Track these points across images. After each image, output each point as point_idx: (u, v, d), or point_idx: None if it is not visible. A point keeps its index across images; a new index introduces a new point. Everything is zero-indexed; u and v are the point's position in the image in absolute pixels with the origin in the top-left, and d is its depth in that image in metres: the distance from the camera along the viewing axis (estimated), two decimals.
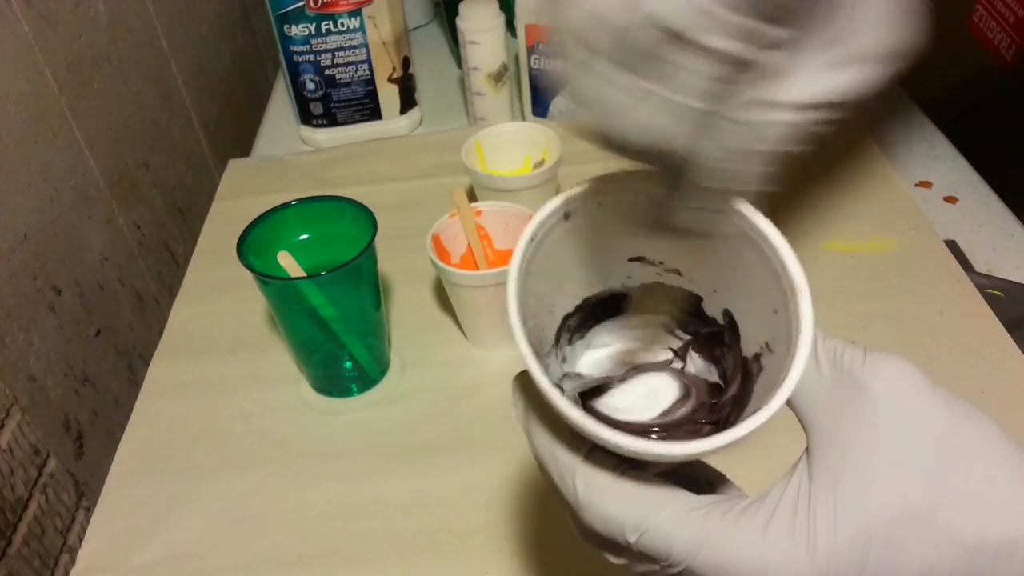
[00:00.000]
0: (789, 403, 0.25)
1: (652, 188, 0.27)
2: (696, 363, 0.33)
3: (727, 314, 0.31)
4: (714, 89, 0.21)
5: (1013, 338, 0.57)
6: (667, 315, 0.33)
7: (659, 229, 0.27)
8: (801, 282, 0.25)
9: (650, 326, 0.33)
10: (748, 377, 0.29)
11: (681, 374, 0.33)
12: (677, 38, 0.21)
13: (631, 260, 0.32)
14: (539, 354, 0.27)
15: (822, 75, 0.23)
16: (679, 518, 0.24)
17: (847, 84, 0.23)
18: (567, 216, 0.29)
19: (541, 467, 0.27)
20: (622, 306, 0.33)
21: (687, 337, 0.33)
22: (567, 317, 0.32)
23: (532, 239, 0.28)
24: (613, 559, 0.26)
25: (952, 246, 0.67)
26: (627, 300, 0.33)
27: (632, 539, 0.24)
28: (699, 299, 0.32)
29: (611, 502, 0.25)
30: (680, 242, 0.29)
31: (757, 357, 0.28)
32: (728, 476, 0.29)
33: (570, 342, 0.33)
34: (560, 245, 0.30)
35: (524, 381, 0.29)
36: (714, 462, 0.29)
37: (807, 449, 0.24)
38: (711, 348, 0.33)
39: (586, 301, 0.33)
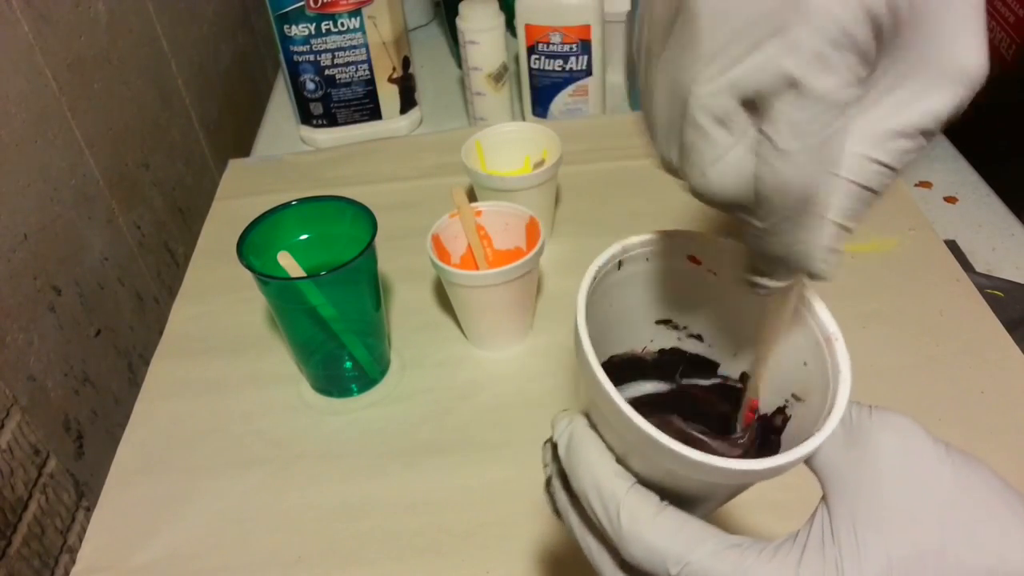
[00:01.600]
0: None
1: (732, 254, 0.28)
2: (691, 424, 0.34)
3: (744, 376, 0.32)
4: (826, 131, 0.22)
5: (1013, 338, 0.57)
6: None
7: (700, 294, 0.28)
8: (835, 330, 0.27)
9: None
10: (769, 430, 0.30)
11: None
12: (789, 84, 0.21)
13: (658, 322, 0.33)
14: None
15: (910, 99, 0.23)
16: (720, 554, 0.25)
17: (935, 107, 0.23)
18: (620, 265, 0.30)
19: (582, 498, 0.28)
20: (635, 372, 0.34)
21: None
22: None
23: (596, 275, 0.29)
24: None
25: (952, 246, 0.67)
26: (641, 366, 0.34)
27: (674, 572, 0.25)
28: (716, 365, 0.33)
29: (656, 534, 0.25)
30: (712, 309, 0.30)
31: (782, 410, 0.30)
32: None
33: None
34: (607, 294, 0.31)
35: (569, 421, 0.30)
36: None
37: (823, 497, 0.26)
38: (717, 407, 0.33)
39: (610, 360, 0.33)
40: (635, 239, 0.30)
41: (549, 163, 0.65)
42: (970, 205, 0.73)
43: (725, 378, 0.33)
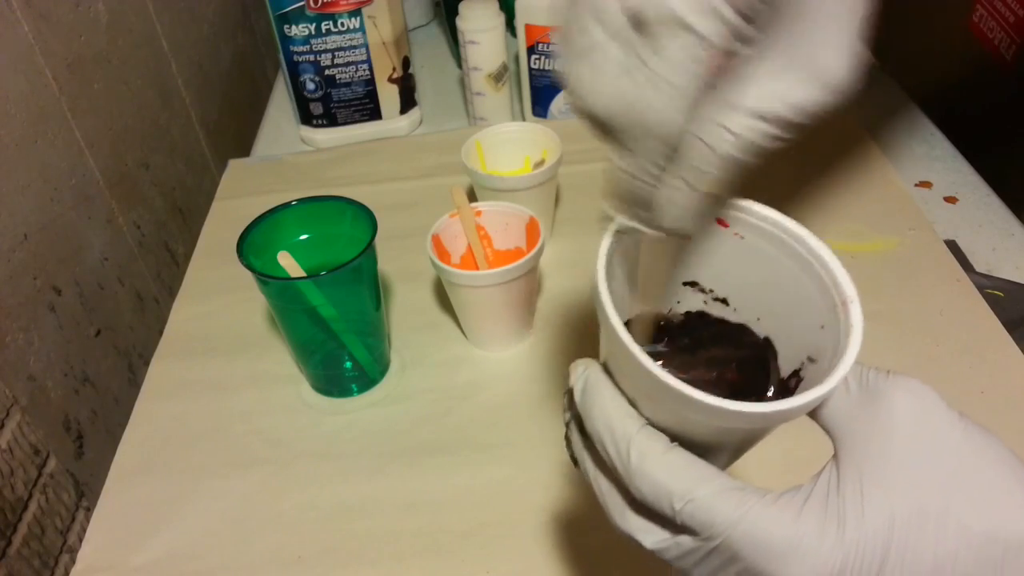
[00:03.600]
0: (817, 416, 0.27)
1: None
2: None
3: (767, 341, 0.33)
4: (693, 74, 0.24)
5: (1013, 338, 0.57)
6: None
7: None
8: (852, 293, 0.28)
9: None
10: (784, 392, 0.31)
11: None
12: (674, 20, 0.23)
13: (684, 284, 0.34)
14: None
15: (775, 85, 0.25)
16: (723, 493, 0.26)
17: (795, 99, 0.25)
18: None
19: (596, 439, 0.29)
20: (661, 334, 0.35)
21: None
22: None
23: (620, 230, 0.30)
24: (649, 539, 0.28)
25: (952, 246, 0.67)
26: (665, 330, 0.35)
27: (679, 507, 0.26)
28: (741, 330, 0.33)
29: (662, 470, 0.26)
30: (738, 272, 0.31)
31: (796, 372, 0.30)
32: None
33: None
34: (628, 255, 0.31)
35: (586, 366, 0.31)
36: None
37: (834, 455, 0.27)
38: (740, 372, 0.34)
39: (637, 317, 0.34)
40: None
41: (549, 163, 0.65)
42: (970, 205, 0.73)
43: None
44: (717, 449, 0.29)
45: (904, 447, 0.25)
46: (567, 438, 0.32)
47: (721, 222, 0.31)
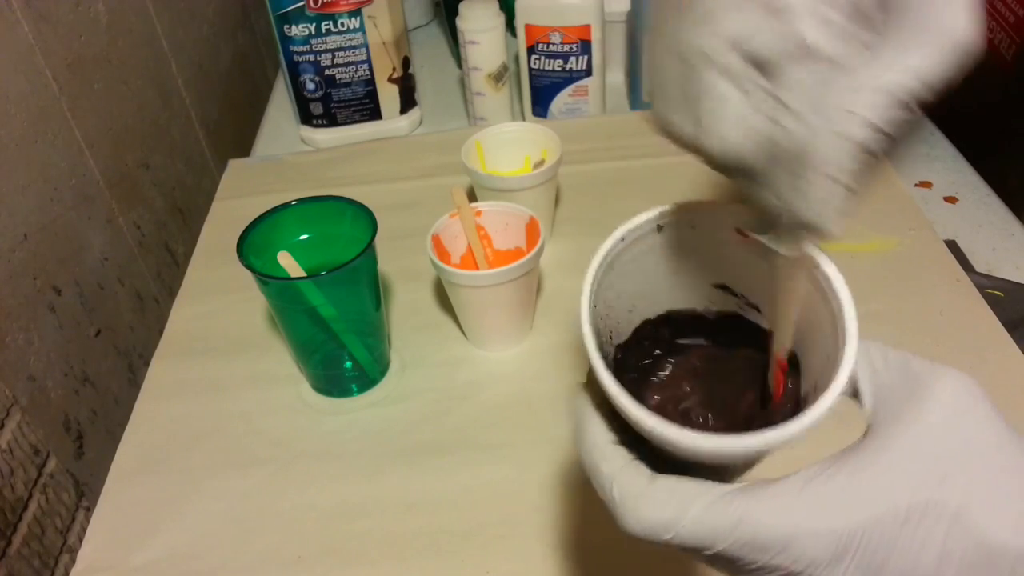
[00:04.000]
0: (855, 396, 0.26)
1: (739, 219, 0.29)
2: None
3: (793, 356, 0.32)
4: (816, 95, 0.23)
5: (1013, 338, 0.57)
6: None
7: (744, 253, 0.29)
8: (853, 330, 0.26)
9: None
10: (799, 409, 0.30)
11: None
12: (794, 49, 0.22)
13: (715, 286, 0.33)
14: (602, 342, 0.29)
15: (901, 59, 0.24)
16: (711, 507, 0.25)
17: (924, 68, 0.24)
18: (659, 228, 0.31)
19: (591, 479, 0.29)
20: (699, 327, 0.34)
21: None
22: (647, 322, 0.34)
23: (622, 239, 0.30)
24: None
25: (952, 246, 0.67)
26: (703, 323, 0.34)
27: (667, 537, 0.26)
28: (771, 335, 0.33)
29: (645, 508, 0.26)
30: (765, 282, 0.30)
31: (806, 397, 0.30)
32: None
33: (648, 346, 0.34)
34: (650, 254, 0.31)
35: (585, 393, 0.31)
36: None
37: (865, 433, 0.26)
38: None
39: (669, 313, 0.34)
40: (672, 207, 0.30)
41: (549, 163, 0.65)
42: (970, 205, 0.73)
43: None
44: (723, 468, 0.28)
45: (935, 439, 0.24)
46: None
47: (741, 233, 0.30)
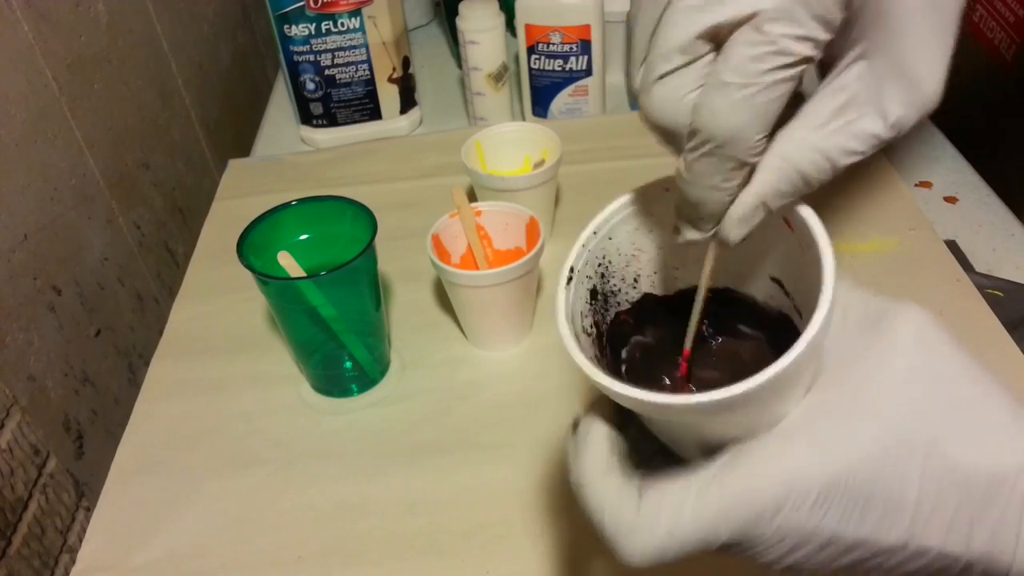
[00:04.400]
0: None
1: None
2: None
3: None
4: (770, 82, 0.23)
5: (1013, 338, 0.57)
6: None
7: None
8: (830, 279, 0.26)
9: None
10: None
11: None
12: (769, 40, 0.23)
13: (772, 279, 0.32)
14: (595, 296, 0.31)
15: (869, 102, 0.25)
16: (699, 506, 0.25)
17: (892, 118, 0.25)
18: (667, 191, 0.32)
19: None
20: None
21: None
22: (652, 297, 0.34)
23: (631, 203, 0.31)
24: None
25: (952, 246, 0.67)
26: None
27: (672, 557, 0.26)
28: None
29: (639, 541, 0.27)
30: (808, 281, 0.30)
31: None
32: None
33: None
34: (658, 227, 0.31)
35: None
36: None
37: (822, 380, 0.26)
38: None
39: (727, 291, 0.33)
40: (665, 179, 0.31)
41: (549, 163, 0.65)
42: (970, 205, 0.73)
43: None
44: (705, 445, 0.28)
45: (900, 375, 0.25)
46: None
47: (788, 224, 0.29)
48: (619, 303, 0.34)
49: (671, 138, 0.26)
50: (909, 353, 0.25)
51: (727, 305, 0.34)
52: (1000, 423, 0.25)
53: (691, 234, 0.28)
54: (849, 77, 0.25)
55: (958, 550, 0.24)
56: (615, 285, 0.34)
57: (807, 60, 0.23)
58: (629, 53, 0.28)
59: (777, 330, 0.32)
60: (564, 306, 0.30)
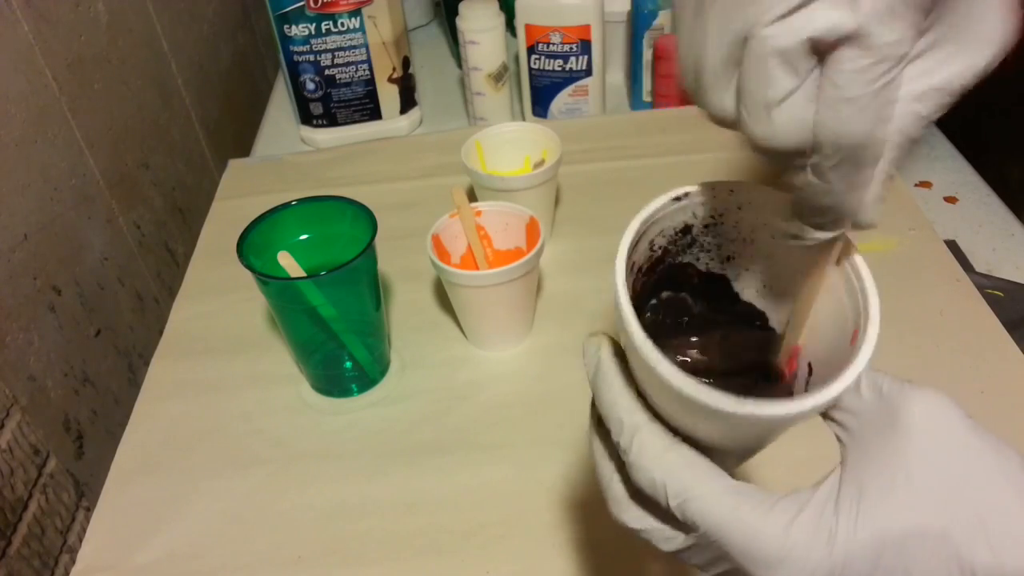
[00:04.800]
0: (829, 417, 0.27)
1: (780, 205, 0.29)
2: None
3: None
4: (882, 83, 0.23)
5: (1013, 338, 0.57)
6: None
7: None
8: (876, 315, 0.27)
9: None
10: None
11: None
12: (870, 44, 0.22)
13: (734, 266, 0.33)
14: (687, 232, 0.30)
15: (951, 59, 0.25)
16: (718, 496, 0.26)
17: (972, 68, 0.25)
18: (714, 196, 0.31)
19: (606, 423, 0.29)
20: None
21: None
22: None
23: (677, 199, 0.30)
24: (643, 528, 0.28)
25: (952, 246, 0.67)
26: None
27: (674, 504, 0.26)
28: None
29: (661, 468, 0.26)
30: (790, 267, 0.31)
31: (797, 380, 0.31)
32: None
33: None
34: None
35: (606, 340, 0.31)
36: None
37: (841, 462, 0.26)
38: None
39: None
40: (726, 182, 0.30)
41: (549, 163, 0.65)
42: (970, 205, 0.73)
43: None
44: (726, 450, 0.28)
45: (911, 463, 0.24)
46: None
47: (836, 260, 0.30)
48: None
49: (788, 158, 0.25)
50: (919, 443, 0.25)
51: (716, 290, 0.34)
52: (1015, 518, 0.24)
53: (824, 234, 0.28)
54: (930, 36, 0.25)
55: None
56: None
57: (912, 45, 0.23)
58: (699, 65, 0.26)
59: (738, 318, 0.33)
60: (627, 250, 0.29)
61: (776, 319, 0.33)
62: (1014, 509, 0.24)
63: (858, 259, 0.28)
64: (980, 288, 0.61)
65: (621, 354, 0.29)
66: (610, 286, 0.28)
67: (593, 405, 0.31)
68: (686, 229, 0.31)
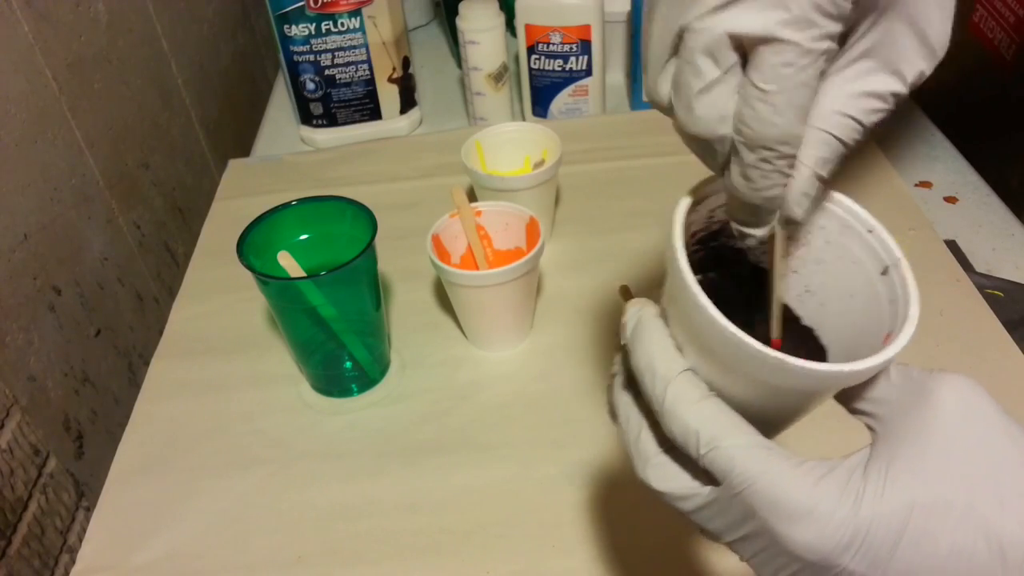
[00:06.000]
0: (859, 404, 0.28)
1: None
2: None
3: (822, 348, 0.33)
4: (802, 82, 0.25)
5: (1013, 338, 0.57)
6: None
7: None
8: (899, 255, 0.28)
9: None
10: None
11: None
12: (785, 45, 0.24)
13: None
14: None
15: (888, 64, 0.26)
16: (749, 448, 0.26)
17: (909, 75, 0.26)
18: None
19: (638, 376, 0.29)
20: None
21: None
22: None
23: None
24: (670, 486, 0.28)
25: (952, 246, 0.67)
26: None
27: (703, 451, 0.26)
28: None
29: (695, 415, 0.27)
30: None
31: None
32: None
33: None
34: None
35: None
36: None
37: (871, 444, 0.27)
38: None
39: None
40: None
41: (549, 163, 0.65)
42: (970, 205, 0.73)
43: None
44: (755, 414, 0.29)
45: (942, 440, 0.25)
46: (610, 387, 0.33)
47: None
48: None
49: (709, 148, 0.27)
50: (952, 421, 0.25)
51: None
52: None
53: (757, 231, 0.29)
54: (866, 43, 0.26)
55: None
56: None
57: (831, 47, 0.25)
58: (645, 55, 0.28)
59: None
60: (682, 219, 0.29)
61: (815, 325, 0.33)
62: None
63: (906, 269, 0.29)
64: (980, 288, 0.61)
65: (662, 318, 0.30)
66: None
67: (621, 363, 0.32)
68: None
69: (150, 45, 0.85)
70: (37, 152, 0.64)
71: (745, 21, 0.24)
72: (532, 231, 0.59)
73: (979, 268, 0.65)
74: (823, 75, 0.26)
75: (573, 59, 0.81)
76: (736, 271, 0.34)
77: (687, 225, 0.29)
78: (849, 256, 0.31)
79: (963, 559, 0.24)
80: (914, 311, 0.28)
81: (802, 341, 0.33)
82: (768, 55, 0.24)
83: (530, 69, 0.83)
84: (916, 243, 0.66)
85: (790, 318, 0.33)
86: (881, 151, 0.77)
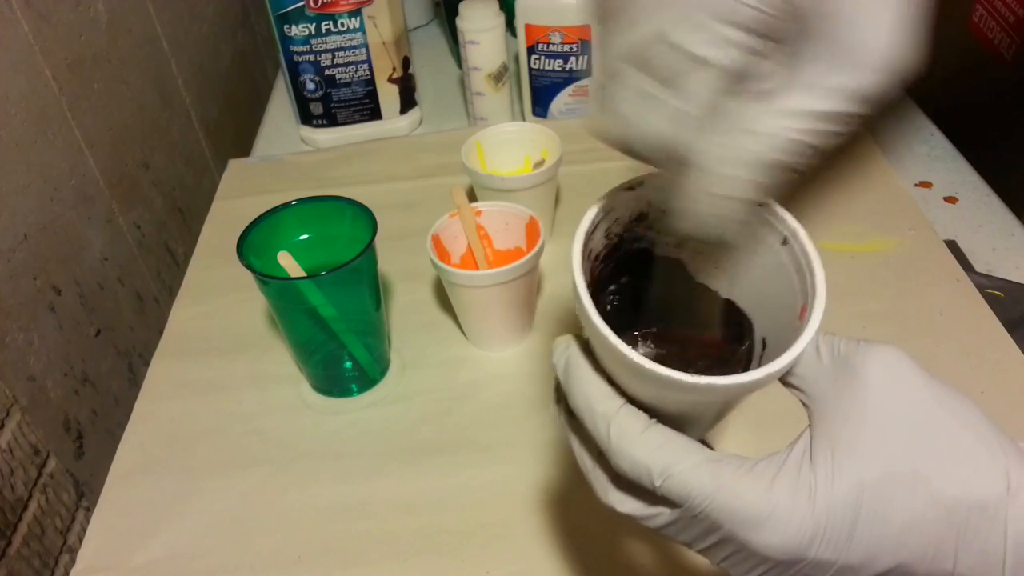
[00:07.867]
0: (790, 386, 0.28)
1: (656, 194, 0.30)
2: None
3: (748, 320, 0.33)
4: (715, 97, 0.24)
5: (1013, 338, 0.57)
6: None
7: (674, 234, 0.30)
8: (822, 290, 0.28)
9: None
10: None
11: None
12: (677, 50, 0.24)
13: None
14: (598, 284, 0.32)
15: (820, 85, 0.25)
16: (700, 467, 0.26)
17: (845, 95, 0.24)
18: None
19: (579, 417, 0.30)
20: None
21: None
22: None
23: (631, 188, 0.31)
24: (633, 511, 0.29)
25: (952, 246, 0.67)
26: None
27: (658, 483, 0.27)
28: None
29: (641, 449, 0.27)
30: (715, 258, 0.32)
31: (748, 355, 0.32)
32: None
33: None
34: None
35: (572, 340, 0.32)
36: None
37: (809, 425, 0.27)
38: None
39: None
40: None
41: (549, 163, 0.65)
42: (970, 205, 0.73)
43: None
44: (694, 420, 0.30)
45: (875, 413, 0.26)
46: (553, 415, 0.33)
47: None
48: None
49: (619, 148, 0.28)
50: (880, 394, 0.26)
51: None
52: (976, 452, 0.25)
53: (671, 237, 0.30)
54: (800, 62, 0.25)
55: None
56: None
57: (739, 64, 0.24)
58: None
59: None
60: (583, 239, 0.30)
61: (727, 293, 0.34)
62: (972, 446, 0.25)
63: (805, 238, 0.29)
64: (980, 288, 0.61)
65: (589, 351, 0.30)
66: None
67: (559, 401, 0.33)
68: (641, 216, 0.33)
69: (150, 45, 0.85)
70: (37, 152, 0.64)
71: (640, 41, 0.24)
72: (532, 231, 0.59)
73: (979, 268, 0.65)
74: (760, 95, 0.25)
75: (573, 59, 0.81)
76: (647, 268, 0.35)
77: (587, 254, 0.30)
78: (747, 231, 0.31)
79: (915, 531, 0.25)
80: (820, 288, 0.28)
81: (729, 316, 0.34)
82: (654, 59, 0.24)
83: (530, 69, 0.83)
84: (916, 243, 0.66)
85: (709, 293, 0.34)
86: (881, 151, 0.77)
